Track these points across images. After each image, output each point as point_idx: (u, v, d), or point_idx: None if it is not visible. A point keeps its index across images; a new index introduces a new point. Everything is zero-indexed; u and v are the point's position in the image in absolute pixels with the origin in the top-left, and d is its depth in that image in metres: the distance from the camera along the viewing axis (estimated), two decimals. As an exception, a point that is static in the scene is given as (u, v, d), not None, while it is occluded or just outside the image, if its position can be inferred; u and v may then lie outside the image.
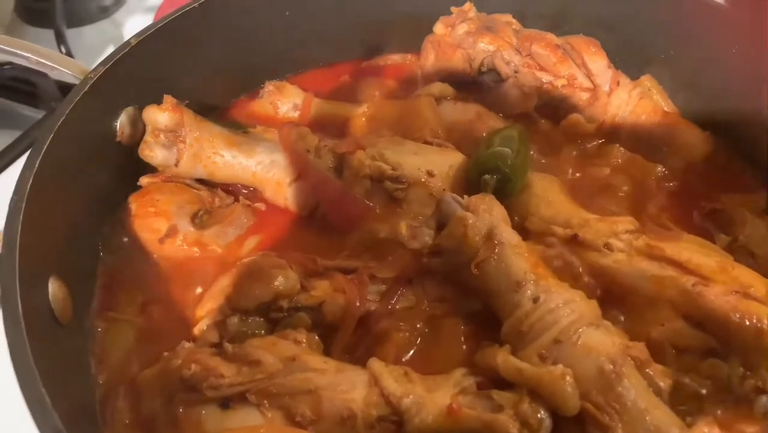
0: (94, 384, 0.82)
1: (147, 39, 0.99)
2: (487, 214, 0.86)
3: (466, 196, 0.88)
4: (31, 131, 1.62)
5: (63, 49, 1.67)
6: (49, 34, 1.93)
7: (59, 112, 0.86)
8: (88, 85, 0.90)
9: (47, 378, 0.64)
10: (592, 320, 0.80)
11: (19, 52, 0.86)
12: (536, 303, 0.80)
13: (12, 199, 0.75)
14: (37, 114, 1.74)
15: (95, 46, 1.95)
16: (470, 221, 0.84)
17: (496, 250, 0.83)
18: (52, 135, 0.83)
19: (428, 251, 0.87)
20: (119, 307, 0.91)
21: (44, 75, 1.69)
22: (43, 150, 0.81)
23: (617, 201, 1.05)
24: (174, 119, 0.96)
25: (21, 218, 0.73)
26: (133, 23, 2.04)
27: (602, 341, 0.77)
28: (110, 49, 2.03)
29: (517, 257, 0.84)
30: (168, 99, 0.97)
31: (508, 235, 0.85)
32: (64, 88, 1.71)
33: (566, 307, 0.80)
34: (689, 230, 0.98)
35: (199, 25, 1.09)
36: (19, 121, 1.73)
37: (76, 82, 0.95)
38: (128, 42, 0.98)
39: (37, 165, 0.79)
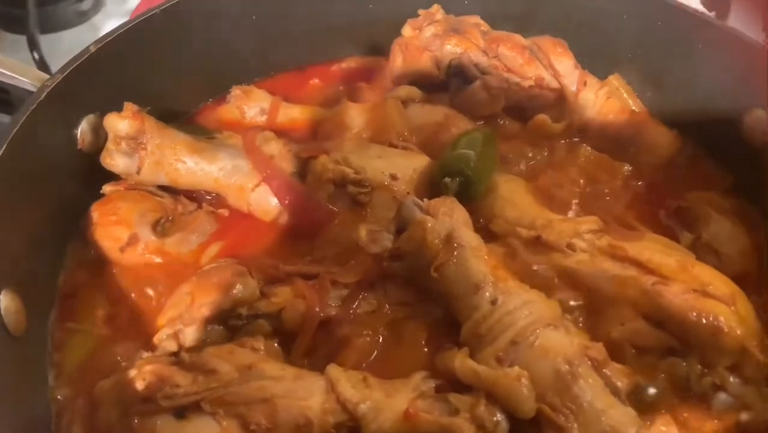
0: (51, 398, 0.81)
1: (108, 45, 0.99)
2: (447, 217, 0.86)
3: (426, 200, 0.87)
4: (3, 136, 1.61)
5: (36, 55, 1.66)
6: (24, 40, 1.91)
7: (14, 121, 0.85)
8: (45, 93, 0.89)
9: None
10: (550, 320, 0.79)
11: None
12: (494, 305, 0.80)
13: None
14: (5, 119, 1.72)
15: (73, 51, 1.93)
16: (429, 225, 0.83)
17: (455, 253, 0.83)
18: (5, 145, 0.82)
19: (388, 255, 0.87)
20: (79, 317, 0.90)
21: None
22: (-4, 164, 0.80)
23: (583, 201, 1.05)
24: (134, 127, 0.96)
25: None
26: (112, 27, 2.03)
27: (560, 341, 0.77)
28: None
29: (476, 260, 0.83)
30: (128, 106, 0.96)
31: (467, 238, 0.85)
32: (38, 95, 1.69)
33: (524, 308, 0.80)
34: (656, 229, 0.99)
35: (164, 29, 1.08)
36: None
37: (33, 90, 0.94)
38: (87, 49, 0.97)
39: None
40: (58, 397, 0.82)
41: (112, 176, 1.02)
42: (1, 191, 0.80)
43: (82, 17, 2.02)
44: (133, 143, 0.97)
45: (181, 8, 1.08)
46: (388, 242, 0.86)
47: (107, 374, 0.81)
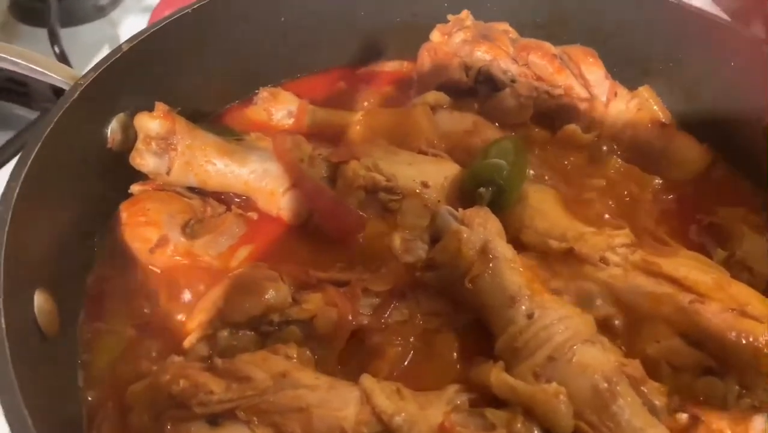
0: (82, 399, 0.81)
1: (139, 44, 0.98)
2: (481, 228, 0.85)
3: (461, 210, 0.87)
4: (24, 132, 1.61)
5: (57, 50, 1.65)
6: (43, 33, 1.90)
7: (48, 120, 0.84)
8: (78, 92, 0.89)
9: (31, 396, 0.63)
10: (587, 336, 0.79)
11: (9, 57, 0.84)
12: (530, 319, 0.79)
13: (-5, 211, 0.73)
14: (30, 114, 1.72)
15: (90, 46, 1.93)
16: (465, 235, 0.83)
17: (491, 264, 0.82)
18: (39, 143, 0.81)
19: (422, 264, 0.86)
20: (108, 318, 0.89)
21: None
22: (31, 159, 0.79)
23: (613, 214, 1.05)
24: (165, 127, 0.95)
25: (7, 229, 0.71)
26: (130, 23, 2.02)
27: (597, 358, 0.76)
28: (106, 50, 2.01)
29: (512, 272, 0.82)
30: (160, 106, 0.96)
31: (502, 249, 0.84)
32: (58, 89, 1.69)
33: (561, 323, 0.79)
34: (686, 244, 0.98)
35: (193, 30, 1.07)
36: (11, 122, 1.71)
37: (67, 87, 0.93)
38: (120, 47, 0.96)
39: (24, 174, 0.77)
40: (89, 398, 0.81)
41: (139, 176, 1.01)
42: (33, 189, 0.79)
43: (100, 12, 2.02)
44: (163, 143, 0.96)
45: (211, 9, 1.08)
46: (422, 251, 0.86)
47: (137, 376, 0.80)
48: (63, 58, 1.66)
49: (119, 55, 0.95)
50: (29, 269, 0.76)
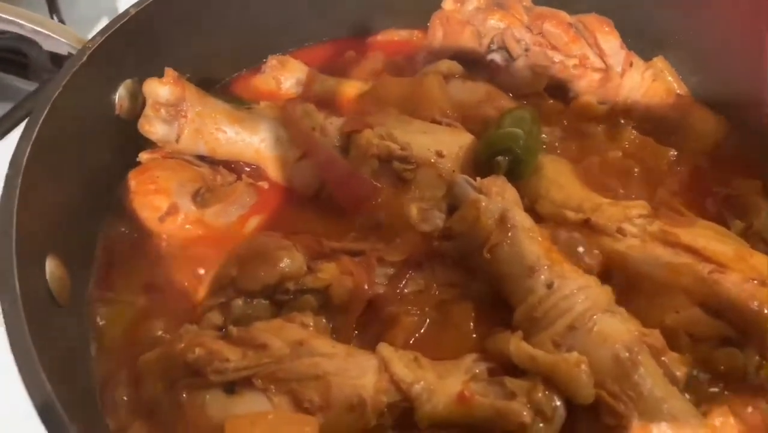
0: (95, 368, 0.80)
1: (146, 8, 0.95)
2: (499, 197, 0.84)
3: (478, 179, 0.85)
4: (23, 104, 1.58)
5: (55, 18, 1.62)
6: (40, 1, 1.86)
7: (56, 83, 0.82)
8: (86, 56, 0.86)
9: (47, 363, 0.62)
10: (606, 306, 0.78)
11: (11, 18, 0.82)
12: (550, 289, 0.78)
13: (7, 175, 0.71)
14: (28, 86, 1.69)
15: (88, 16, 1.89)
16: (483, 204, 0.81)
17: (509, 234, 0.81)
18: (48, 106, 0.79)
19: (439, 234, 0.85)
20: (118, 288, 0.88)
21: (36, 46, 1.64)
22: (40, 122, 0.77)
23: (628, 185, 1.03)
24: (175, 93, 0.93)
25: (17, 193, 0.69)
26: (127, -11, 1.97)
27: (617, 328, 0.75)
28: (104, 20, 1.97)
29: (531, 242, 0.81)
30: (169, 72, 0.93)
31: (521, 219, 0.83)
32: (57, 59, 1.66)
33: (581, 293, 0.78)
34: (702, 216, 0.96)
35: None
36: (8, 93, 1.68)
37: (72, 52, 0.91)
38: (127, 11, 0.94)
39: (33, 138, 0.75)
40: (101, 368, 0.80)
41: (146, 144, 0.99)
42: (42, 154, 0.77)
43: (100, -19, 1.95)
44: (172, 110, 0.94)
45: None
46: (440, 220, 0.84)
47: (149, 346, 0.79)
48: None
49: (127, 18, 0.93)
50: (40, 234, 0.75)
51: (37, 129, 0.76)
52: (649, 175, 1.05)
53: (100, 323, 0.84)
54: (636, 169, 1.05)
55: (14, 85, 1.69)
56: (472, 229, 0.82)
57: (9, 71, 1.68)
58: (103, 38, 0.89)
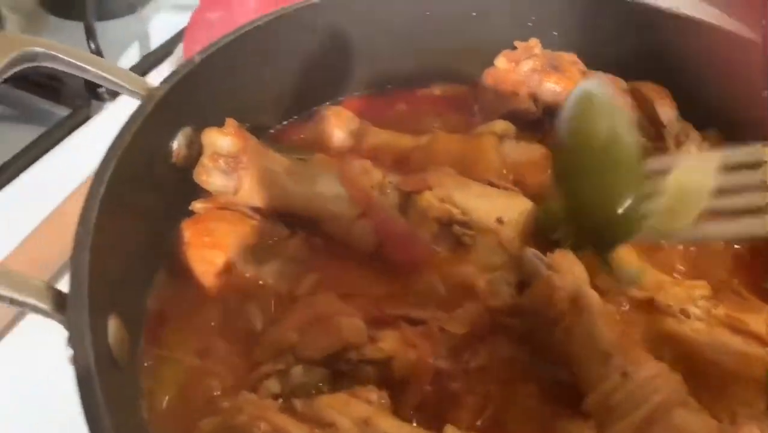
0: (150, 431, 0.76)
1: (211, 57, 0.93)
2: (570, 274, 0.82)
3: (549, 253, 0.83)
4: (55, 129, 1.56)
5: (92, 46, 1.61)
6: (73, 26, 1.86)
7: (123, 134, 0.79)
8: (153, 104, 0.84)
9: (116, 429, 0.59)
10: (682, 398, 0.76)
11: (80, 64, 0.80)
12: (625, 377, 0.76)
13: (78, 232, 0.68)
14: (60, 111, 1.68)
15: (119, 42, 1.88)
16: (557, 283, 0.79)
17: (583, 315, 0.79)
18: (116, 160, 0.76)
19: (509, 310, 0.82)
20: (169, 345, 0.84)
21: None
22: (108, 177, 0.74)
23: (682, 261, 1.02)
24: (236, 145, 0.90)
25: (89, 252, 0.67)
26: (160, 21, 1.98)
27: (696, 422, 0.73)
28: (135, 47, 1.97)
29: (604, 325, 0.79)
30: (231, 122, 0.91)
31: (593, 299, 0.81)
32: (91, 87, 1.65)
33: (655, 382, 0.75)
34: (763, 299, 0.95)
35: (260, 43, 1.03)
36: (40, 118, 1.66)
37: (132, 94, 0.88)
38: (192, 59, 0.92)
39: (102, 195, 0.72)
40: (153, 431, 0.77)
41: (197, 193, 0.97)
42: (107, 209, 0.74)
43: (131, 8, 1.98)
44: (232, 161, 0.92)
45: (281, 21, 1.04)
46: (509, 295, 0.82)
47: (204, 410, 0.76)
48: (98, 54, 1.62)
49: (192, 67, 0.91)
50: (104, 293, 0.71)
51: (105, 185, 0.73)
52: (704, 252, 1.03)
53: (151, 383, 0.81)
54: (694, 246, 1.03)
55: (45, 109, 1.68)
56: (544, 307, 0.79)
57: (40, 94, 1.67)
58: (170, 86, 0.87)
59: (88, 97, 1.59)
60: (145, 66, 1.63)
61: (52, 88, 1.60)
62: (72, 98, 1.60)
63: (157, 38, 1.81)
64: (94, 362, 0.60)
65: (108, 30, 1.78)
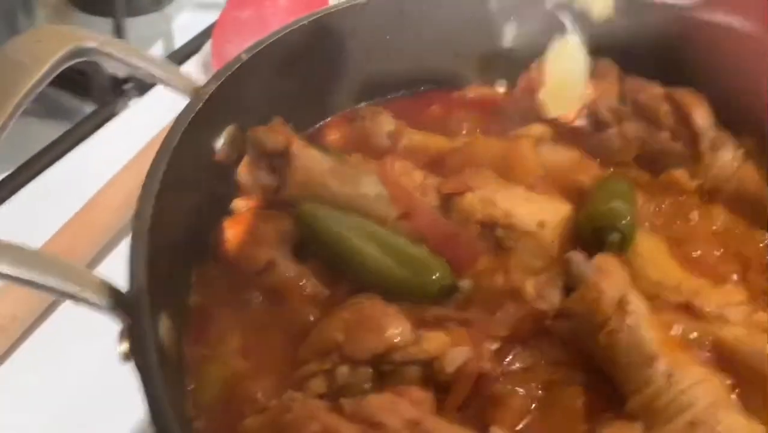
0: (192, 429, 0.76)
1: (257, 54, 0.94)
2: (617, 278, 0.82)
3: (596, 257, 0.83)
4: (82, 124, 1.57)
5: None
6: (100, 22, 1.87)
7: (174, 132, 0.80)
8: (202, 103, 0.84)
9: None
10: (726, 401, 0.76)
11: (137, 63, 0.80)
12: (670, 380, 0.76)
13: (134, 229, 0.69)
14: (85, 106, 1.69)
15: (144, 39, 1.89)
16: (604, 287, 0.79)
17: (628, 320, 0.79)
18: (169, 157, 0.77)
19: (555, 313, 0.82)
20: (212, 344, 0.85)
21: (95, 65, 1.64)
22: (161, 173, 0.75)
23: (717, 268, 1.01)
24: (282, 143, 0.91)
25: (147, 248, 0.67)
26: (184, 19, 1.99)
27: (743, 425, 0.73)
28: (159, 44, 1.98)
29: (650, 329, 0.79)
30: (278, 121, 0.92)
31: (638, 303, 0.81)
32: (117, 81, 1.66)
33: (700, 386, 0.76)
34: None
35: (303, 42, 1.03)
36: (66, 113, 1.68)
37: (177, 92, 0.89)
38: (239, 57, 0.92)
39: (157, 190, 0.73)
40: (197, 428, 0.77)
41: (238, 192, 0.97)
42: (159, 205, 0.75)
43: (156, 5, 2.00)
44: (276, 160, 0.92)
45: (324, 22, 1.04)
46: (556, 298, 0.82)
47: (246, 408, 0.77)
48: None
49: (239, 64, 0.91)
50: (157, 290, 0.72)
51: (159, 182, 0.73)
52: (738, 259, 1.03)
53: (195, 382, 0.81)
54: (725, 252, 1.03)
55: (71, 104, 1.69)
56: (590, 311, 0.79)
57: (66, 88, 1.68)
58: (217, 85, 0.87)
59: (114, 93, 1.60)
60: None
61: (79, 84, 1.61)
62: (99, 94, 1.60)
63: (183, 35, 1.82)
64: (157, 361, 0.60)
65: (133, 26, 1.79)
